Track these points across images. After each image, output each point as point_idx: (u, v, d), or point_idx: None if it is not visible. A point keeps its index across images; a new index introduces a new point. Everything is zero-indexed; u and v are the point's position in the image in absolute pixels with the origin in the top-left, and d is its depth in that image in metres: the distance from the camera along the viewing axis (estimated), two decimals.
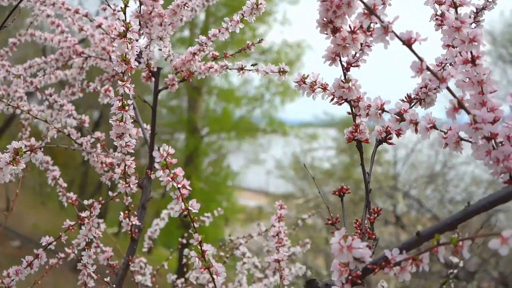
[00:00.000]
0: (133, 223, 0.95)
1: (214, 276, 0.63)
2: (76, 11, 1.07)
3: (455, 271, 1.08)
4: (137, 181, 0.89)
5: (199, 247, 0.63)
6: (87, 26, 1.13)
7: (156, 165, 0.60)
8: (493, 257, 6.07)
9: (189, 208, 0.61)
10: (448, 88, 0.50)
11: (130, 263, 0.97)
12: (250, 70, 0.91)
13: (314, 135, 10.67)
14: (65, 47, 1.18)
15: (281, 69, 0.81)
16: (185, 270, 1.40)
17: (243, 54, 1.02)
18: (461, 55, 0.54)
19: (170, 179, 0.60)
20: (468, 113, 0.50)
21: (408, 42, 0.50)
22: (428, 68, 0.49)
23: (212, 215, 1.34)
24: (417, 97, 0.67)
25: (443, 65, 0.68)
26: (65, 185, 1.08)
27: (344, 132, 0.64)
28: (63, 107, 1.07)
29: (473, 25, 0.70)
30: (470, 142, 0.52)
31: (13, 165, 0.66)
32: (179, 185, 0.60)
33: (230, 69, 0.94)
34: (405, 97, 0.68)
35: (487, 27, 8.47)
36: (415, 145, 6.39)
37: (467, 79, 0.53)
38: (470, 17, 0.70)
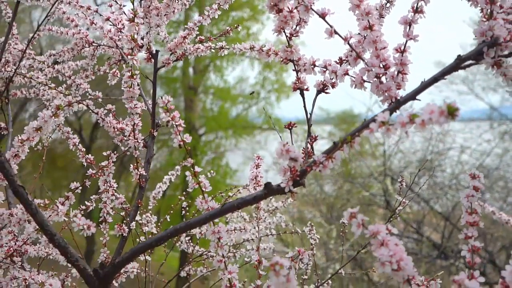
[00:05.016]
0: (141, 173, 1.21)
1: (204, 189, 0.88)
2: (88, 8, 1.32)
3: (400, 208, 1.34)
4: (143, 138, 1.15)
5: (192, 170, 0.89)
6: (97, 20, 1.38)
7: (160, 110, 0.85)
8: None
9: (184, 139, 0.87)
10: (349, 45, 0.75)
11: (139, 205, 1.23)
12: (228, 48, 1.17)
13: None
14: (78, 38, 1.43)
15: (251, 46, 1.07)
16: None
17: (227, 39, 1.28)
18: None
19: (170, 119, 0.85)
20: (363, 60, 0.75)
21: (323, 15, 0.75)
22: (335, 32, 0.75)
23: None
24: (346, 59, 0.92)
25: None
26: (84, 149, 1.33)
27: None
28: (80, 85, 1.32)
29: (388, 4, 0.96)
30: (368, 82, 0.78)
31: (55, 118, 0.91)
32: (177, 123, 0.86)
33: (213, 49, 1.19)
34: (338, 59, 0.93)
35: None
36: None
37: (366, 40, 0.78)
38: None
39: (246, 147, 12.40)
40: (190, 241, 1.63)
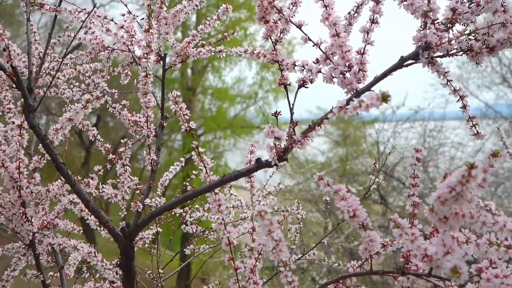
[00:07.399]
0: (153, 158, 1.42)
1: (206, 165, 1.09)
2: (105, 17, 1.53)
3: (374, 187, 1.55)
4: (155, 127, 1.36)
5: (197, 150, 1.10)
6: (111, 27, 1.59)
7: (170, 102, 1.06)
8: None
9: (190, 126, 1.08)
10: (320, 49, 0.96)
11: (151, 186, 1.44)
12: (225, 51, 1.38)
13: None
14: (95, 43, 1.64)
15: (246, 50, 1.28)
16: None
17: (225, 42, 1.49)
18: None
19: (178, 109, 1.06)
20: (331, 61, 0.97)
21: (299, 26, 0.96)
22: (309, 39, 0.96)
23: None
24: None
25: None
26: (102, 139, 1.54)
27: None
28: (98, 84, 1.53)
29: (356, 14, 1.17)
30: (336, 77, 0.99)
31: (85, 109, 1.12)
32: (184, 113, 1.07)
33: (213, 52, 1.40)
34: (315, 59, 1.14)
35: None
36: (395, 128, 6.90)
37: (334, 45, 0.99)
38: (353, 9, 1.17)
39: (244, 147, 12.57)
40: (194, 222, 1.85)
